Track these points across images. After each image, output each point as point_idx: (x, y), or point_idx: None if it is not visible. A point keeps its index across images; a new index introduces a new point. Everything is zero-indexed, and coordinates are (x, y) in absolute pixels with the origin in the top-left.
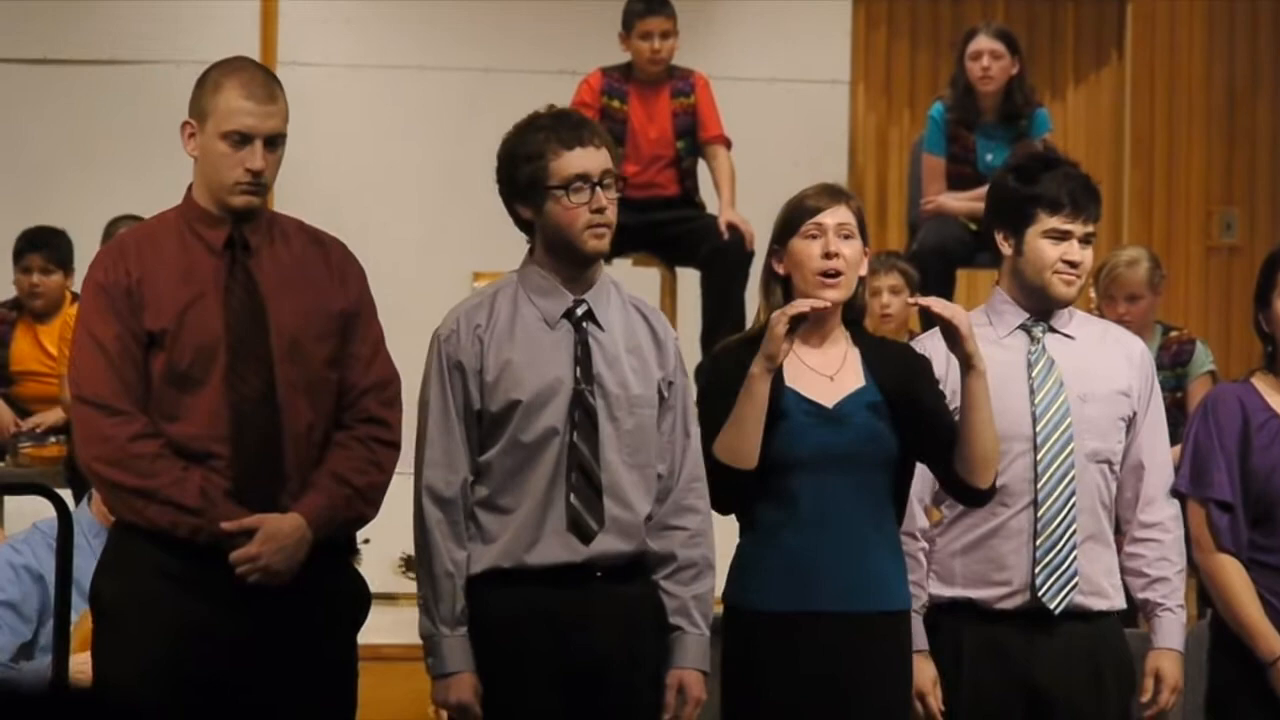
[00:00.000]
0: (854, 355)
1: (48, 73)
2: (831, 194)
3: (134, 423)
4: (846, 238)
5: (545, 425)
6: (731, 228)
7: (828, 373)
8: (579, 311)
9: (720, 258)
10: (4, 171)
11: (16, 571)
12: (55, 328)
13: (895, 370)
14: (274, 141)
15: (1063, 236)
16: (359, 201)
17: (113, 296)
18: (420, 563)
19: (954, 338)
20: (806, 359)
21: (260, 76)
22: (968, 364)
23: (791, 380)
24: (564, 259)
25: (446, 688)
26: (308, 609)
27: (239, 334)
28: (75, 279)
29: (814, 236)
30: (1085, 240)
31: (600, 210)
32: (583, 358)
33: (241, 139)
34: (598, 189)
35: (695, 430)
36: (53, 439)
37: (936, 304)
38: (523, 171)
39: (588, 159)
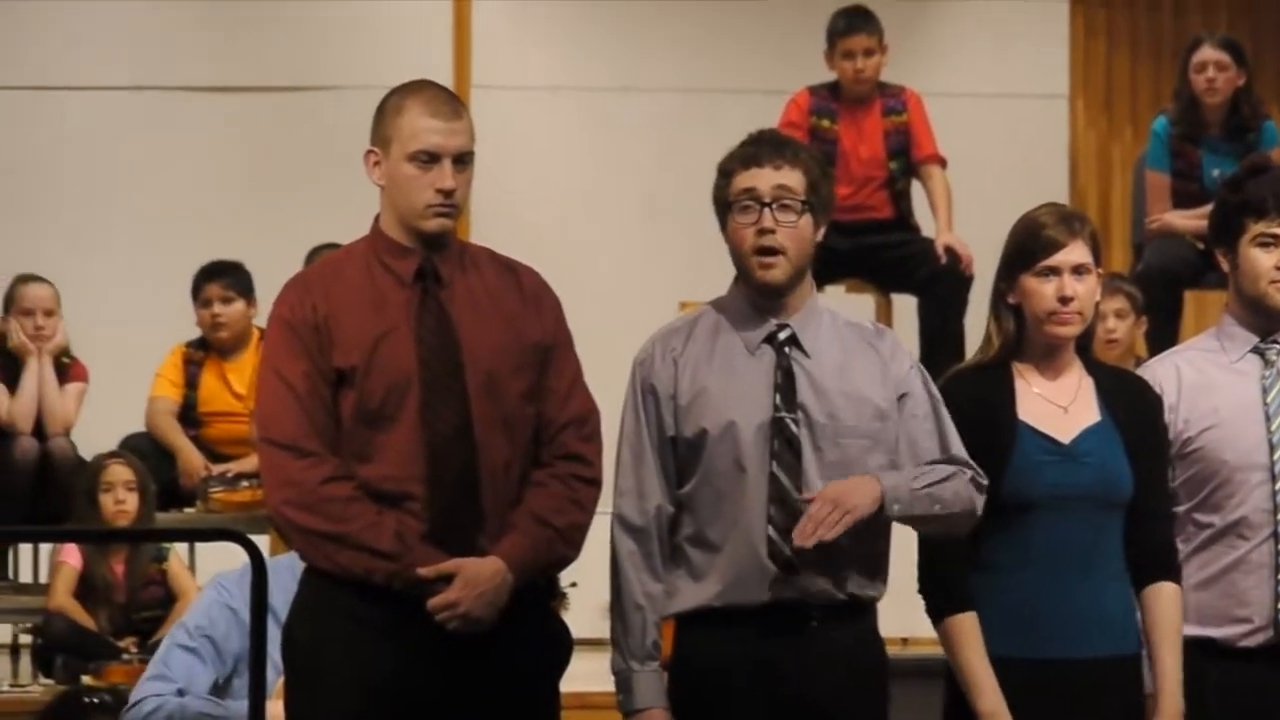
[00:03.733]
0: (1088, 385)
1: (232, 102)
2: (1066, 225)
3: (324, 465)
4: (1082, 274)
5: (743, 455)
6: (949, 251)
7: (1061, 403)
8: (781, 336)
9: (938, 283)
10: (189, 206)
11: (222, 610)
12: (244, 365)
13: (1131, 406)
14: (463, 160)
15: (1274, 241)
16: (559, 229)
17: (299, 333)
18: (612, 595)
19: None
20: (1039, 389)
21: (443, 94)
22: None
23: (1024, 413)
24: (749, 285)
25: None
26: (508, 656)
27: (433, 369)
28: (259, 312)
29: (1048, 276)
30: None
31: (765, 231)
32: (784, 384)
33: (429, 159)
34: (766, 210)
35: (957, 447)
36: (245, 484)
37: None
38: (714, 190)
39: (760, 178)
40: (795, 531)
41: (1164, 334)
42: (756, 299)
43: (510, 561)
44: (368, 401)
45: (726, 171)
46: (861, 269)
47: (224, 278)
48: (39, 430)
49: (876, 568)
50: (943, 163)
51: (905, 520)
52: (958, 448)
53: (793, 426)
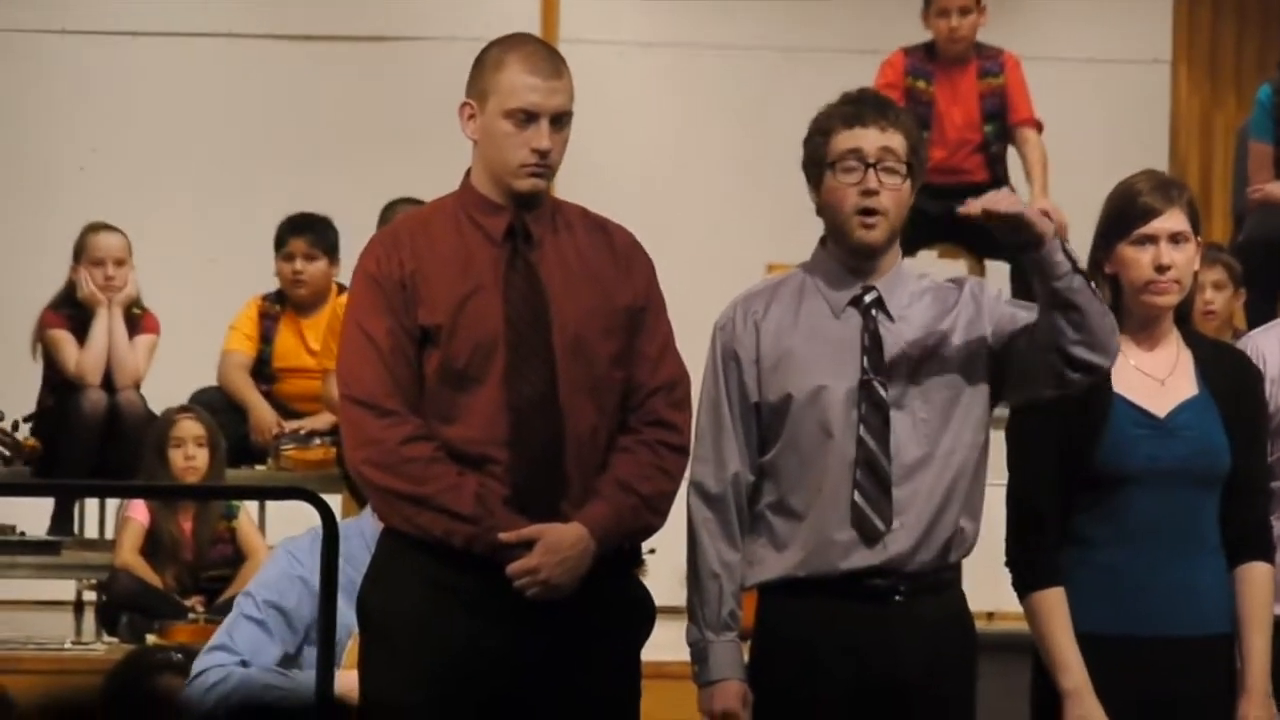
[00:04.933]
0: (1186, 358)
1: (312, 51)
2: (1164, 192)
3: (406, 424)
4: (1179, 242)
5: (829, 418)
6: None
7: (1159, 376)
8: (867, 299)
9: None
10: (267, 156)
11: (292, 582)
12: (320, 321)
13: (1230, 379)
14: (560, 120)
15: None
16: (648, 189)
17: (385, 289)
18: (689, 564)
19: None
20: (1136, 361)
21: (544, 51)
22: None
23: (1120, 385)
24: (842, 247)
25: (711, 696)
26: (589, 624)
27: (520, 330)
28: (341, 270)
29: (1145, 244)
30: None
31: (870, 192)
32: (871, 347)
33: (527, 117)
34: (871, 170)
35: None
36: (318, 441)
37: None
38: (808, 148)
39: (865, 138)
40: (962, 207)
41: (1264, 306)
42: (849, 259)
43: (593, 528)
44: (452, 362)
45: (825, 130)
46: (954, 234)
47: (310, 233)
48: (108, 383)
49: (962, 539)
50: (1039, 127)
51: (1060, 287)
52: None
53: (881, 390)
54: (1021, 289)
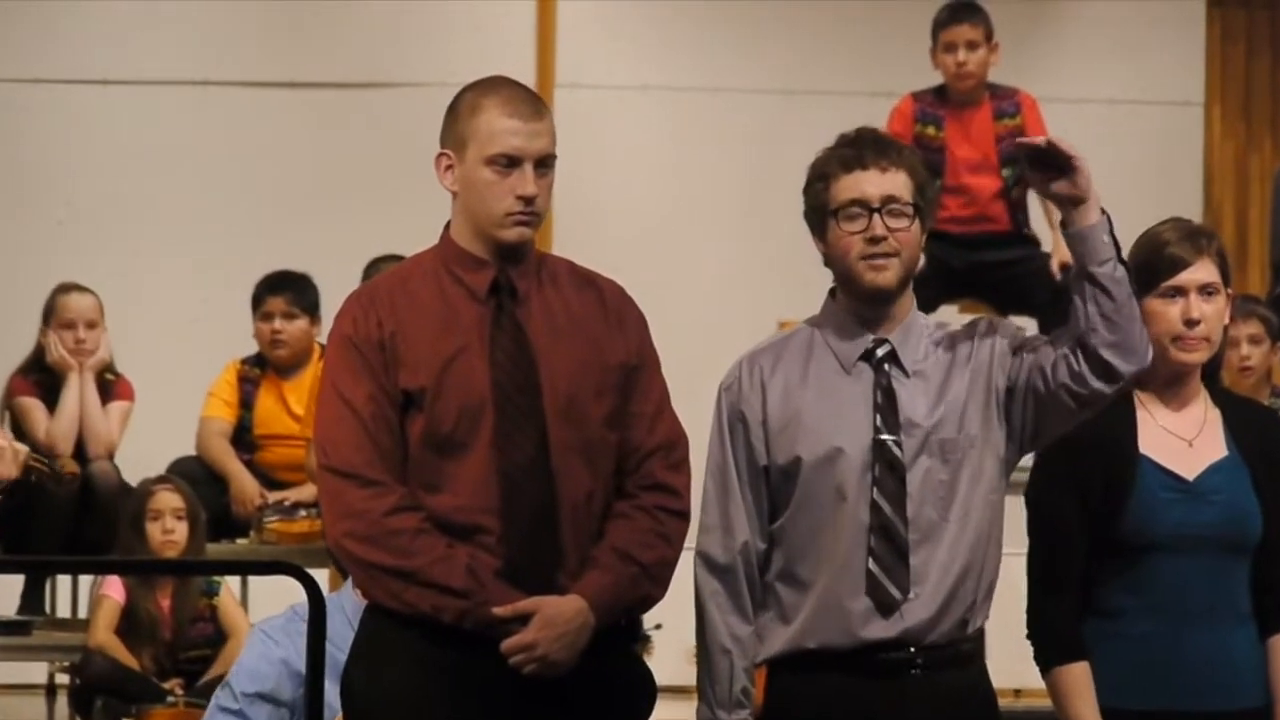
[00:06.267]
0: (1215, 417)
1: (295, 98)
2: (1193, 242)
3: (390, 495)
4: (1209, 294)
5: (841, 481)
6: (1066, 269)
7: (1186, 437)
8: (880, 352)
9: (1060, 303)
10: (245, 206)
11: (272, 664)
12: (303, 384)
13: (1260, 440)
14: (544, 164)
15: None
16: (648, 240)
17: (363, 351)
18: (697, 639)
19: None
20: (1163, 420)
21: (523, 93)
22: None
23: (1146, 446)
24: (852, 295)
25: None
26: (587, 703)
27: (507, 392)
28: (323, 329)
29: (1173, 297)
30: None
31: (875, 240)
32: (884, 404)
33: (509, 163)
34: (876, 216)
35: None
36: (303, 513)
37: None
38: (809, 196)
39: (867, 182)
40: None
41: None
42: (861, 309)
43: (592, 601)
44: (437, 426)
45: (825, 176)
46: (976, 286)
47: (288, 291)
48: (79, 452)
49: (984, 607)
50: None
51: (1100, 273)
52: None
53: (895, 450)
54: None
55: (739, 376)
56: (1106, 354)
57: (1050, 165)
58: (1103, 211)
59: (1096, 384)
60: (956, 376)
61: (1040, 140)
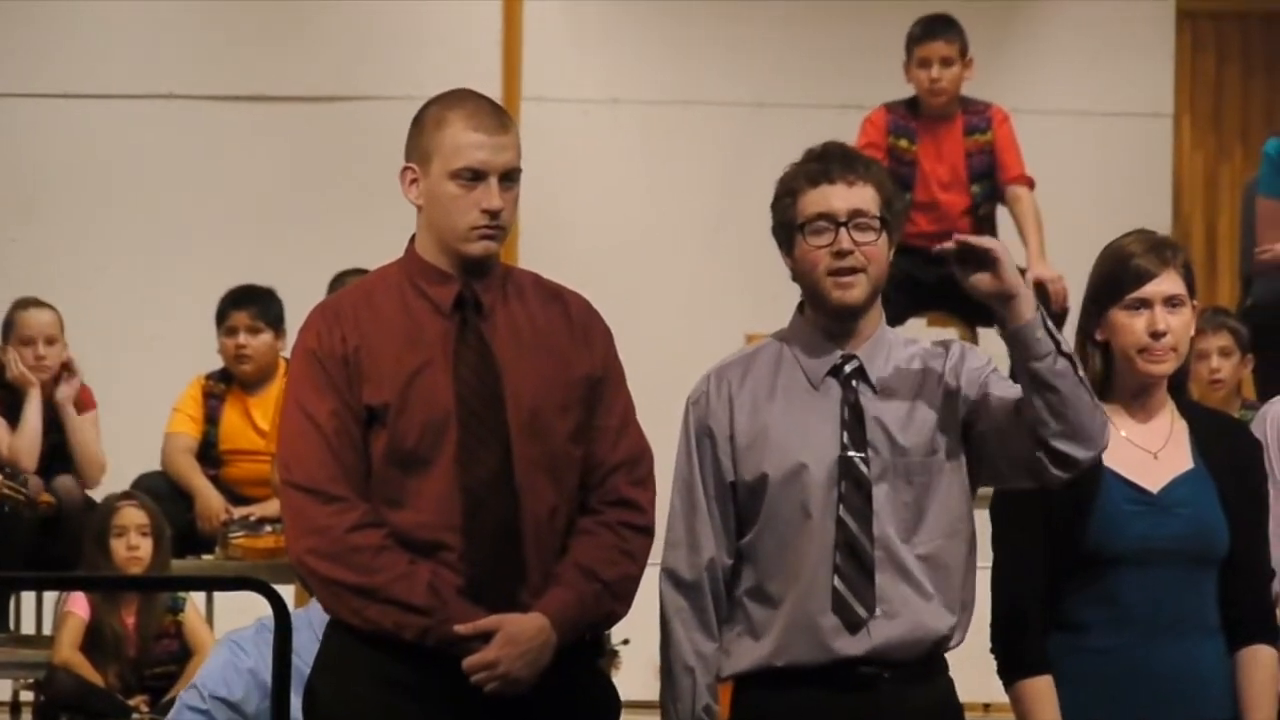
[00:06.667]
0: (1181, 429)
1: (260, 112)
2: (1158, 254)
3: (353, 511)
4: (1175, 306)
5: (808, 498)
6: (1039, 285)
7: (1151, 449)
8: (847, 368)
9: None
10: (210, 221)
11: (239, 673)
12: (268, 399)
13: (1227, 452)
14: (510, 178)
15: None
16: (616, 254)
17: (326, 366)
18: (661, 656)
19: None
20: (1128, 432)
21: (488, 106)
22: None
23: (1110, 459)
24: (820, 311)
25: None
26: (551, 719)
27: (472, 407)
28: (287, 343)
29: (1138, 309)
30: None
31: (841, 254)
32: (851, 421)
33: (474, 176)
34: (843, 230)
35: None
36: (268, 529)
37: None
38: (776, 211)
39: (833, 196)
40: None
41: (1274, 373)
42: (828, 325)
43: (554, 618)
44: (401, 442)
45: (792, 191)
46: (944, 301)
47: (253, 305)
48: (47, 469)
49: (952, 625)
50: (1030, 184)
51: (1040, 369)
52: None
53: (862, 466)
54: None
55: (706, 390)
56: (1060, 445)
57: (972, 260)
58: (1038, 307)
59: (1055, 472)
60: (928, 393)
61: (948, 244)
